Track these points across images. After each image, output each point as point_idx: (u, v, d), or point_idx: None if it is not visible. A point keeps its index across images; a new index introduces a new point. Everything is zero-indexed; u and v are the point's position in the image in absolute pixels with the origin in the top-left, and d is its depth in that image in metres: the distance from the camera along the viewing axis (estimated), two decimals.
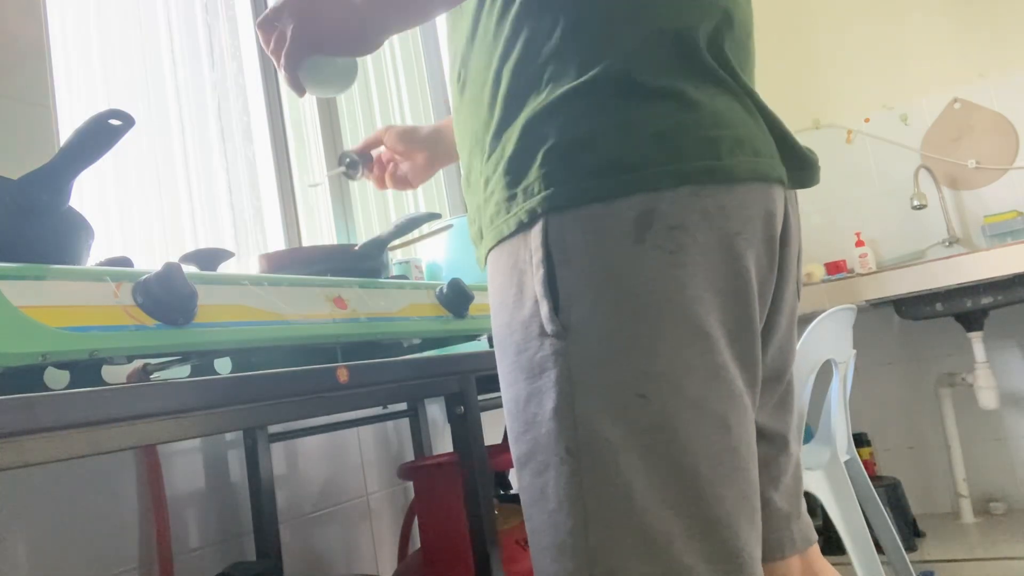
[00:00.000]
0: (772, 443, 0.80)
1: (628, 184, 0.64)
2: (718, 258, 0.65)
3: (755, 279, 0.68)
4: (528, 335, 0.68)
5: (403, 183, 1.15)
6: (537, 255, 0.66)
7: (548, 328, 0.66)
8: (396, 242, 1.18)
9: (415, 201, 2.30)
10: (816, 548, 0.85)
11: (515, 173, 0.68)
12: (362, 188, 2.06)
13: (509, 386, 0.72)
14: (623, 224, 0.64)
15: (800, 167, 0.74)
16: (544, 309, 0.66)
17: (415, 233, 1.20)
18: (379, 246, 1.14)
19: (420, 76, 2.46)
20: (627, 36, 0.67)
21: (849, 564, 1.65)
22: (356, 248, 1.14)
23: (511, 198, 0.68)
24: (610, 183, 0.64)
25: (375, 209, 2.13)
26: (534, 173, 0.66)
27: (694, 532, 0.63)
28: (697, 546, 0.63)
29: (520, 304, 0.69)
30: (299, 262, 1.13)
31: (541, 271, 0.66)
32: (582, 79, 0.66)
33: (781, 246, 0.74)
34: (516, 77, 0.70)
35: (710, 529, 0.63)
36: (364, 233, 2.02)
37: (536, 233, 0.66)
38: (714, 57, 0.69)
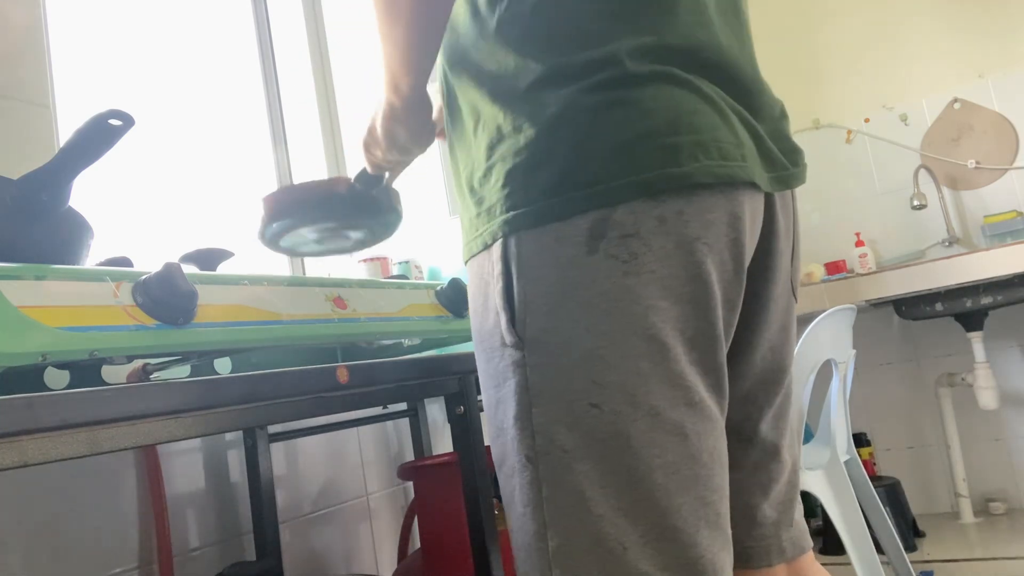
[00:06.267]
0: (763, 450, 0.80)
1: (585, 200, 0.64)
2: (676, 264, 0.64)
3: (717, 284, 0.67)
4: (493, 344, 0.70)
5: None
6: (497, 267, 0.68)
7: (506, 339, 0.68)
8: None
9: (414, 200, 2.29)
10: (810, 555, 0.84)
11: (480, 193, 0.70)
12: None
13: (484, 391, 0.74)
14: (577, 235, 0.64)
15: (781, 168, 0.73)
16: (503, 321, 0.68)
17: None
18: (374, 180, 1.07)
19: None
20: (586, 47, 0.66)
21: (849, 564, 1.65)
22: (353, 181, 1.07)
23: (478, 216, 0.71)
24: (567, 201, 0.64)
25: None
26: (496, 194, 0.68)
27: (649, 540, 0.63)
28: (652, 554, 0.63)
29: (486, 314, 0.71)
30: (301, 204, 1.03)
31: (500, 283, 0.68)
32: (542, 94, 0.66)
33: (766, 248, 0.73)
34: (481, 94, 0.71)
35: (666, 537, 0.64)
36: None
37: (496, 247, 0.68)
38: (682, 61, 0.67)
